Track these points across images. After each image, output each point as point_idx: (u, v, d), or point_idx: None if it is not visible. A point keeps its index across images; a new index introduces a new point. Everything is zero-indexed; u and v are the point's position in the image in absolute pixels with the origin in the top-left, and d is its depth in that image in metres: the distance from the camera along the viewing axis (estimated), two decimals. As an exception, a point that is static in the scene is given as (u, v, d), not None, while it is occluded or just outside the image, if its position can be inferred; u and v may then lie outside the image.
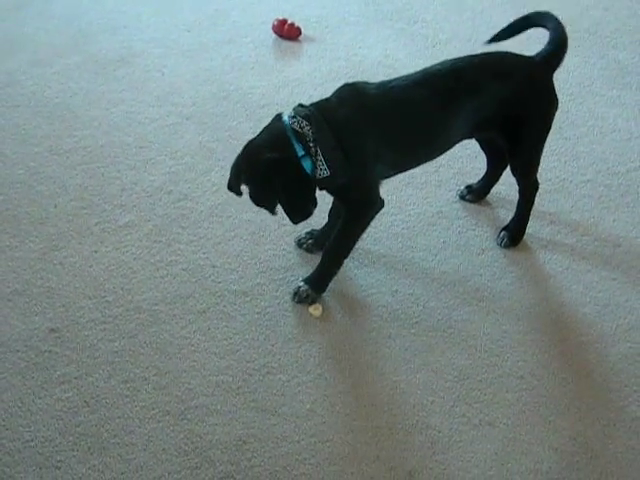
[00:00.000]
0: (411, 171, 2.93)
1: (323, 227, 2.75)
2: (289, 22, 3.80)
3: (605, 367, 2.49)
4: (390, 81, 2.56)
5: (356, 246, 2.58)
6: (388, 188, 2.92)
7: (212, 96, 3.45)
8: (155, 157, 3.13)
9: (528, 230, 2.85)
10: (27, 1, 4.01)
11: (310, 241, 2.76)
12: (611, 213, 2.99)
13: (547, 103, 2.67)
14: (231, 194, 2.95)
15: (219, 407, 2.32)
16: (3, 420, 2.26)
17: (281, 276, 2.70)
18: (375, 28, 3.92)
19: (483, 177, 2.98)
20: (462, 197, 3.02)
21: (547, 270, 2.77)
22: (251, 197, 2.51)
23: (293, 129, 2.41)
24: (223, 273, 2.70)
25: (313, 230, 2.77)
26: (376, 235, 2.79)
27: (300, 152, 2.40)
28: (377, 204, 2.54)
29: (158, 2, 4.06)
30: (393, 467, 2.21)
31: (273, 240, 2.81)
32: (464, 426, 2.32)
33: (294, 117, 2.43)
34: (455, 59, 2.60)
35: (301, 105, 2.49)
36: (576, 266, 2.79)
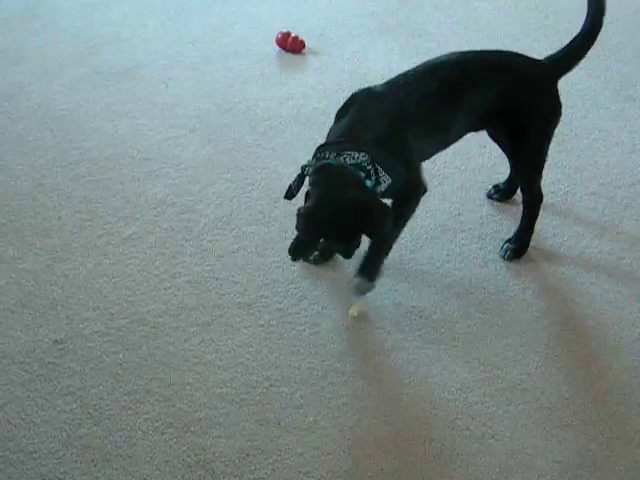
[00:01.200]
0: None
1: None
2: (293, 35, 3.81)
3: (609, 380, 2.49)
4: (396, 79, 2.62)
5: (360, 259, 2.58)
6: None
7: (216, 109, 3.46)
8: (159, 169, 3.14)
9: (532, 242, 2.85)
10: (33, 13, 4.03)
11: (315, 253, 2.76)
12: (614, 226, 2.99)
13: (548, 106, 2.69)
14: (234, 206, 2.97)
15: (222, 419, 2.32)
16: (6, 432, 2.26)
17: (285, 289, 2.70)
18: (379, 41, 3.93)
19: (508, 177, 3.02)
20: (489, 196, 3.07)
21: (551, 282, 2.77)
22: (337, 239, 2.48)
23: (352, 164, 2.42)
24: (227, 285, 2.70)
25: None
26: (380, 247, 2.80)
27: (370, 183, 2.42)
28: (424, 185, 2.58)
29: (163, 15, 4.08)
30: (396, 480, 2.22)
31: (277, 252, 2.81)
32: (467, 439, 2.31)
33: (340, 155, 2.43)
34: (461, 52, 2.66)
35: (340, 137, 2.50)
36: (580, 279, 2.79)
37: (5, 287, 2.66)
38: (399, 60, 3.78)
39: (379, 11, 4.16)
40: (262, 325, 2.58)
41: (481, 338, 2.58)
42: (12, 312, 2.58)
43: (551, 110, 2.69)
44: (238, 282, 2.71)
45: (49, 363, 2.44)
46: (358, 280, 2.56)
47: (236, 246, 2.84)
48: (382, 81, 3.67)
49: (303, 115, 3.43)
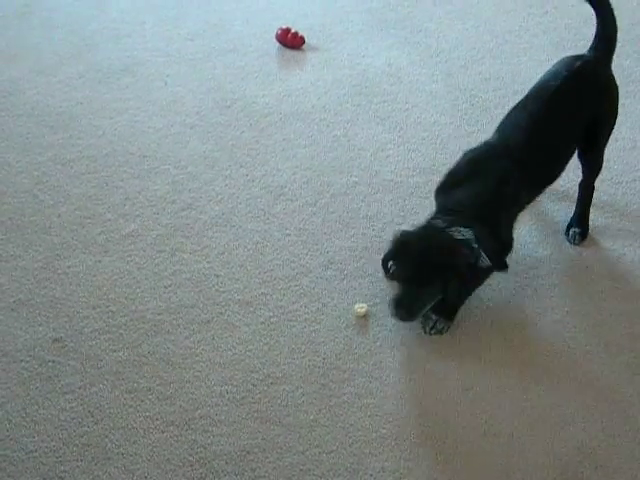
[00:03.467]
0: (415, 180, 2.94)
1: None
2: (293, 31, 3.80)
3: (610, 376, 2.48)
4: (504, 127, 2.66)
5: (359, 257, 2.57)
6: (392, 197, 2.92)
7: (215, 105, 3.45)
8: (159, 166, 3.13)
9: (532, 239, 2.85)
10: (31, 10, 4.01)
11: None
12: (615, 222, 2.98)
13: (615, 97, 2.81)
14: (234, 203, 2.96)
15: (223, 417, 2.32)
16: (7, 430, 2.26)
17: (285, 286, 2.69)
18: (378, 37, 3.92)
19: None
20: None
21: (551, 279, 2.76)
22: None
23: (458, 238, 2.45)
24: (227, 283, 2.69)
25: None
26: (380, 245, 2.78)
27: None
28: (511, 248, 2.59)
29: (161, 11, 4.07)
30: (398, 478, 2.21)
31: (277, 250, 2.80)
32: (469, 437, 2.31)
33: (449, 228, 2.46)
34: (540, 89, 2.67)
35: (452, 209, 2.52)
36: (579, 276, 2.78)
37: (5, 285, 2.65)
38: (398, 56, 3.77)
39: (379, 7, 4.14)
40: (262, 322, 2.58)
41: (481, 335, 2.57)
42: (12, 310, 2.57)
43: (617, 98, 2.82)
44: (238, 279, 2.71)
45: (49, 361, 2.43)
46: (436, 319, 2.57)
47: (236, 243, 2.83)
48: (381, 76, 3.67)
49: (303, 111, 3.42)
